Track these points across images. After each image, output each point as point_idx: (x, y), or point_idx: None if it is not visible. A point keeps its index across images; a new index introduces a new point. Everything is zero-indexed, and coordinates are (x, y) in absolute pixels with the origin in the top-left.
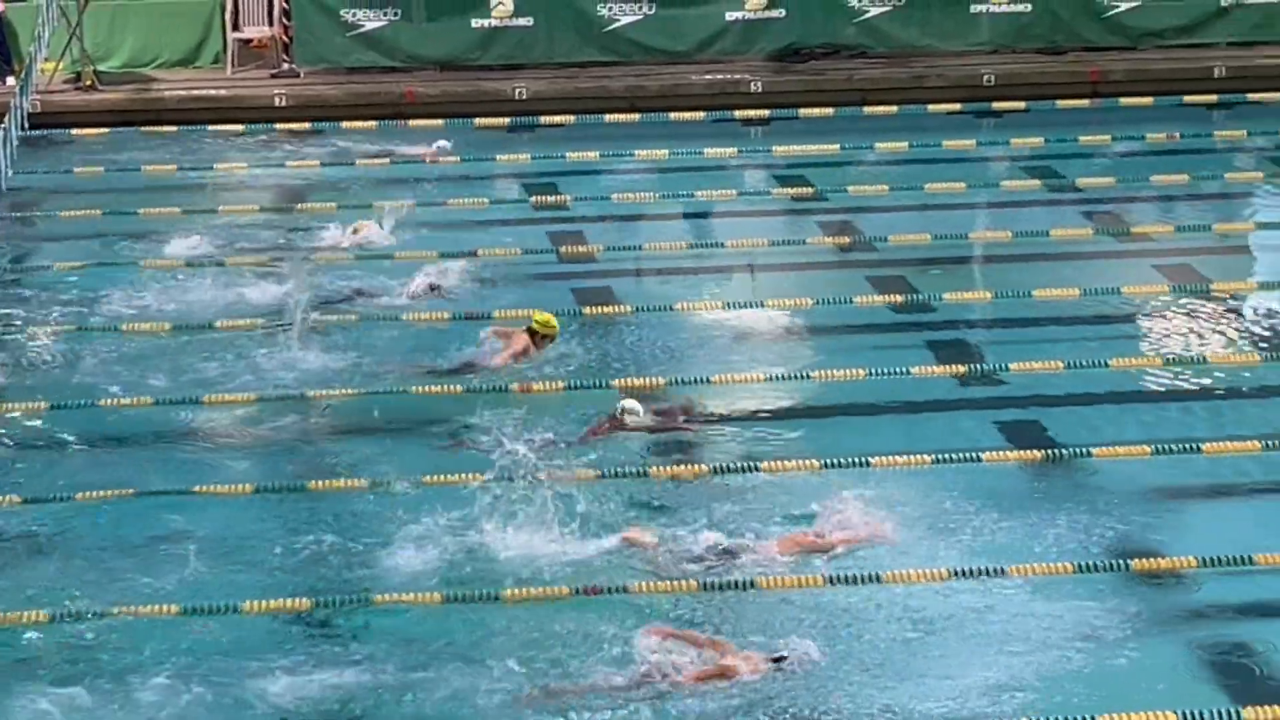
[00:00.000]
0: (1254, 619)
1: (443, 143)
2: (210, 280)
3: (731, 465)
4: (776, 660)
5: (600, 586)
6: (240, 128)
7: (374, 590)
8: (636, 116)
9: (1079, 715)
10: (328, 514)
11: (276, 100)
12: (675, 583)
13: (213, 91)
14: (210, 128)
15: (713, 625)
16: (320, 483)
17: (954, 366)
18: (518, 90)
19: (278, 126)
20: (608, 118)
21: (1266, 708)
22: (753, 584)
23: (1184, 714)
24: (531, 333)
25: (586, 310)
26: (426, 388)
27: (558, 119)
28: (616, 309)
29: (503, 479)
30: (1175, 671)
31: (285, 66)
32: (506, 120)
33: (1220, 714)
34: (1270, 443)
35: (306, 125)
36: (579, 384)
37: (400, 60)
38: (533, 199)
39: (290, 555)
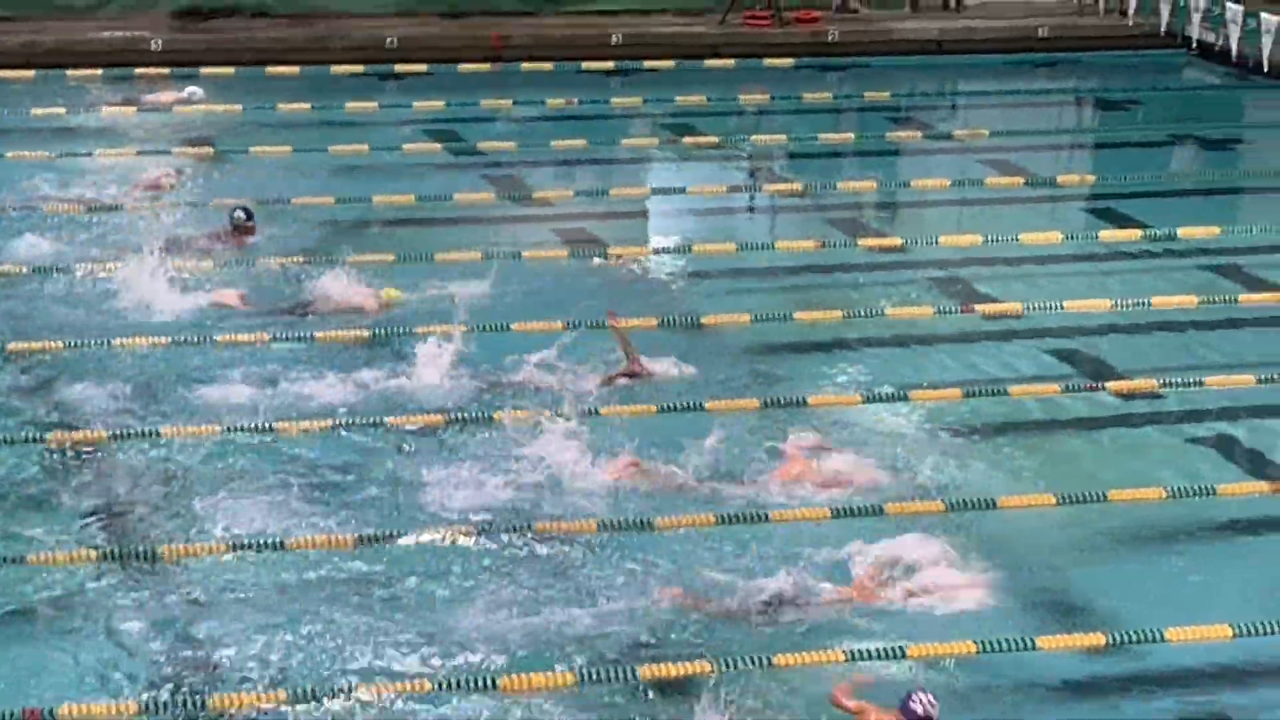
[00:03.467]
0: None
1: (193, 89)
2: None
3: None
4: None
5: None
6: None
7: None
8: (31, 74)
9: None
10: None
11: None
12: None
13: None
14: None
15: None
16: None
17: (355, 332)
18: None
19: None
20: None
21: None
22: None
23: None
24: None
25: None
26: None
27: None
28: (14, 269)
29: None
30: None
31: None
32: None
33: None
34: (665, 405)
35: None
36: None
37: None
38: None
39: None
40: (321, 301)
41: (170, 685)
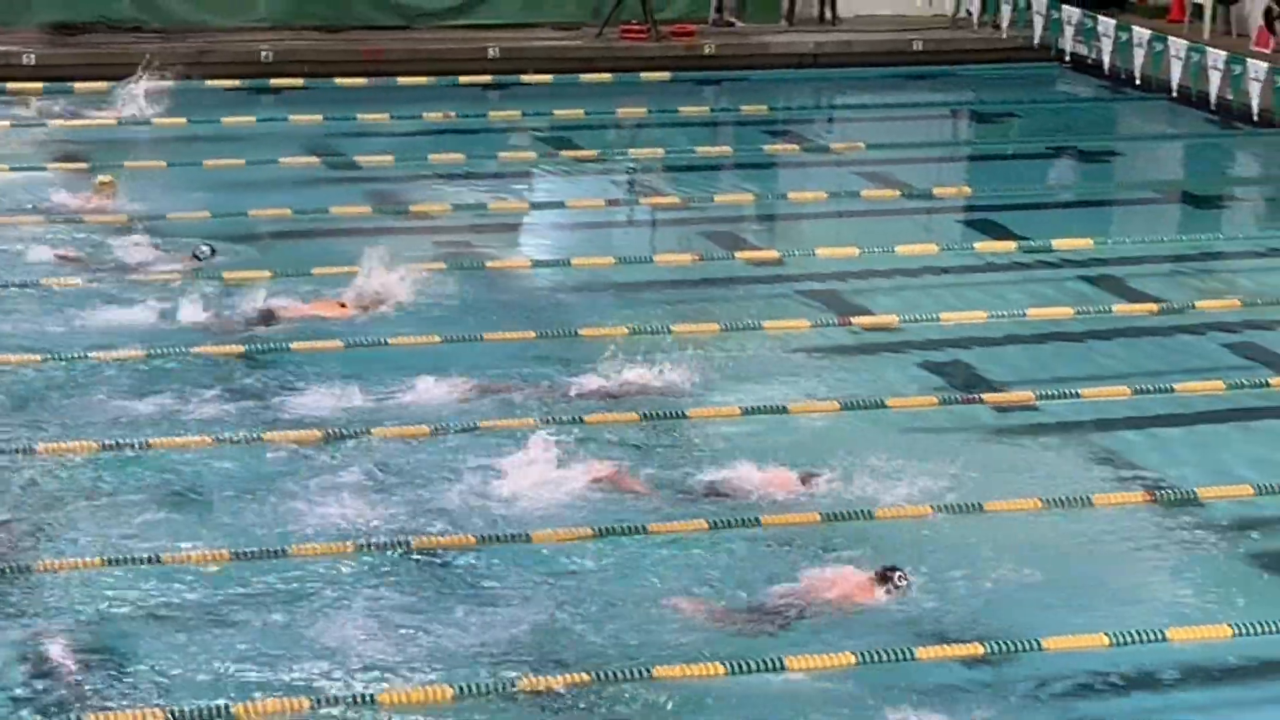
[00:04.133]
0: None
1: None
2: None
3: None
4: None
5: None
6: None
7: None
8: None
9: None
10: None
11: None
12: None
13: None
14: None
15: None
16: None
17: (232, 347)
18: None
19: None
20: None
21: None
22: None
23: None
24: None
25: None
26: None
27: None
28: None
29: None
30: None
31: None
32: None
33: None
34: (549, 418)
35: None
36: None
37: None
38: None
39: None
40: (285, 311)
41: (44, 704)
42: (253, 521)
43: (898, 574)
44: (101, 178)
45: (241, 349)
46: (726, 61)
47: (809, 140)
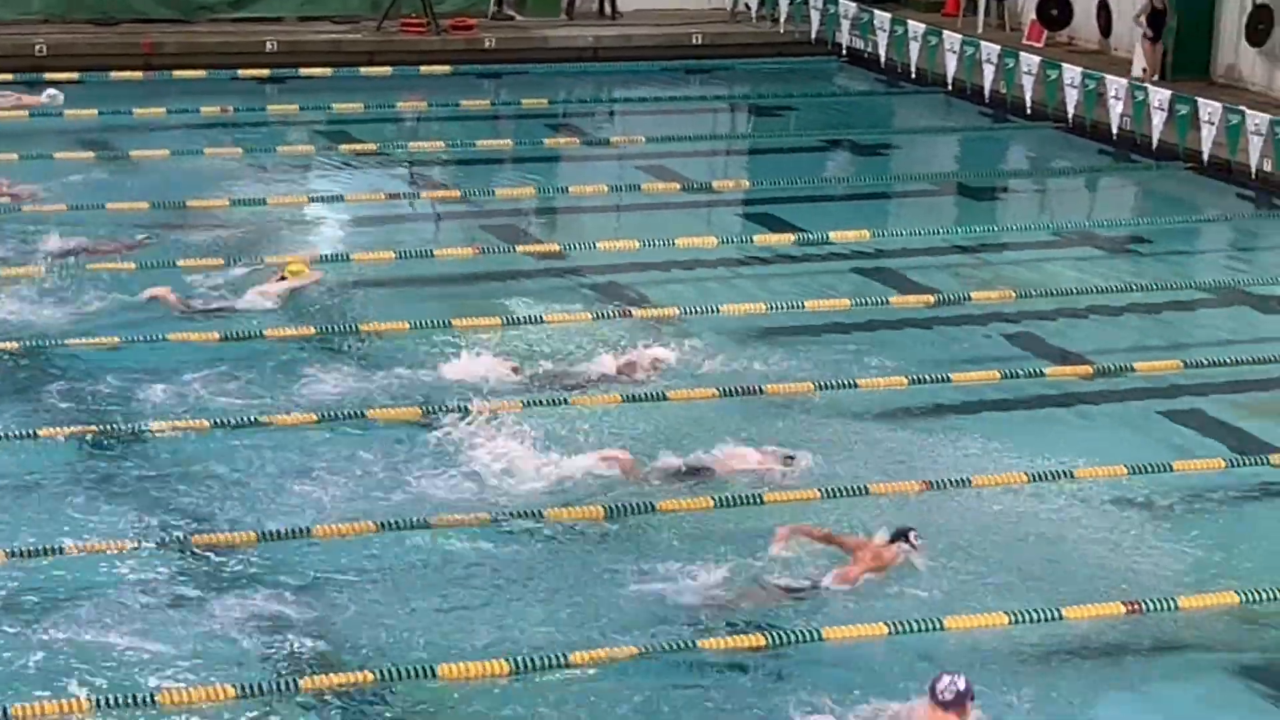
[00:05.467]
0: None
1: (52, 91)
2: None
3: None
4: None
5: None
6: None
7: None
8: None
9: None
10: None
11: None
12: None
13: None
14: None
15: None
16: None
17: (8, 344)
18: None
19: None
20: None
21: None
22: None
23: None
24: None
25: None
26: None
27: None
28: None
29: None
30: None
31: None
32: None
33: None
34: (327, 414)
35: None
36: None
37: None
38: None
39: None
40: (250, 297)
41: None
42: (28, 520)
43: (912, 533)
44: None
45: (15, 344)
46: (506, 55)
47: (589, 134)
